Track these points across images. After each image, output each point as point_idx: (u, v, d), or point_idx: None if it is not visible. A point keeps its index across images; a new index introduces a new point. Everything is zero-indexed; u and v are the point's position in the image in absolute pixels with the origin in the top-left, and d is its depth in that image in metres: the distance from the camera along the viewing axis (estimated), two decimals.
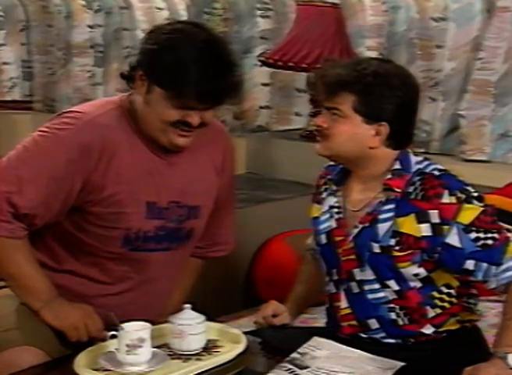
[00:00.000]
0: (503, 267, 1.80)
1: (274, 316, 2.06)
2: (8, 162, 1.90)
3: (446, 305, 1.88)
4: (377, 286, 1.87)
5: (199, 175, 2.03)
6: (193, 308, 1.83)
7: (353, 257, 1.88)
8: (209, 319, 1.85)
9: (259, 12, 3.85)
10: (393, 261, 1.83)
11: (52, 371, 1.85)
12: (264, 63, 3.52)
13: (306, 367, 1.72)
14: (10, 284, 1.95)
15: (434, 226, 1.80)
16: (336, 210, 1.94)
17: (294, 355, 1.76)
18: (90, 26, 4.33)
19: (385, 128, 1.84)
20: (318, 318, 2.52)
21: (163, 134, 1.88)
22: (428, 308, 1.87)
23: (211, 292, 2.60)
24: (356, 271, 1.88)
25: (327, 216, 1.96)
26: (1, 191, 1.86)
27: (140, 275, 2.00)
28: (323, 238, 1.96)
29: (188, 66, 1.80)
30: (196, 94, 1.80)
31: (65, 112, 1.94)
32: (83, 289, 1.97)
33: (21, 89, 4.65)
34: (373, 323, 1.88)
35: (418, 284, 1.86)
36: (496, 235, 1.81)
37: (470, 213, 1.80)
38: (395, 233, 1.82)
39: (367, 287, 1.88)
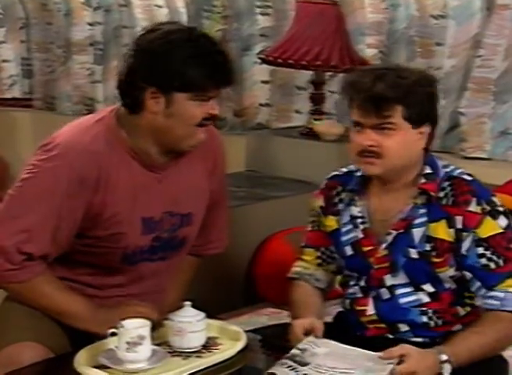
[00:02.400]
0: (492, 294, 1.81)
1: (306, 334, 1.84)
2: (7, 211, 1.87)
3: (475, 302, 1.88)
4: (410, 289, 1.87)
5: (191, 182, 2.02)
6: (193, 306, 1.83)
7: (386, 265, 1.87)
8: (209, 316, 1.86)
9: (258, 10, 3.84)
10: (432, 267, 1.84)
11: (53, 369, 1.85)
12: (263, 61, 3.51)
13: (306, 364, 1.71)
14: (48, 314, 1.94)
15: (457, 231, 1.82)
16: (360, 220, 1.92)
17: (294, 351, 1.75)
18: (90, 24, 4.32)
19: (428, 128, 1.86)
20: None
21: (190, 138, 1.90)
22: (458, 307, 1.88)
23: (211, 290, 2.60)
24: (387, 277, 1.88)
25: (349, 226, 1.94)
26: (9, 245, 1.84)
27: (133, 284, 2.01)
28: (348, 250, 1.94)
29: (197, 60, 1.85)
30: (214, 80, 1.86)
31: (50, 143, 1.88)
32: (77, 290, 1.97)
33: (21, 87, 4.64)
34: (403, 327, 1.88)
35: (453, 286, 1.87)
36: (501, 262, 1.82)
37: (489, 229, 1.81)
38: (429, 238, 1.83)
39: (398, 292, 1.88)
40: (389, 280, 1.88)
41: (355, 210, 1.92)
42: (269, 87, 3.89)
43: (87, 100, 4.38)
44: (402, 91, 1.81)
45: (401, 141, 1.82)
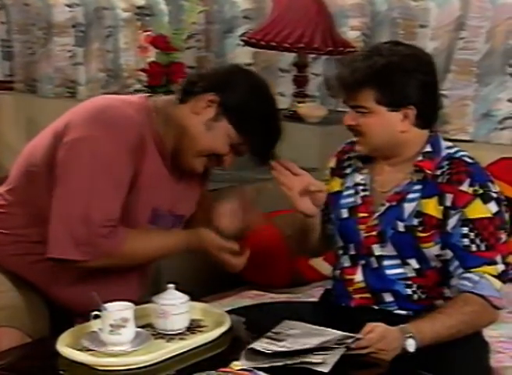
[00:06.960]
0: (467, 275, 1.82)
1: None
2: (80, 186, 1.80)
3: (451, 282, 1.88)
4: (397, 262, 1.89)
5: (192, 186, 2.04)
6: (177, 289, 1.83)
7: (374, 233, 1.91)
8: (193, 299, 1.86)
9: None
10: (417, 241, 1.86)
11: (35, 351, 1.84)
12: (246, 43, 3.50)
13: (282, 340, 1.72)
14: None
15: (445, 208, 1.84)
16: (361, 187, 1.97)
17: (269, 333, 1.75)
18: (69, 5, 4.27)
19: (412, 111, 1.86)
20: (301, 298, 2.53)
21: (193, 159, 1.91)
22: (444, 288, 1.90)
23: (194, 272, 2.60)
24: (375, 246, 1.91)
25: (351, 191, 1.99)
26: (96, 221, 1.79)
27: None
28: (344, 213, 1.98)
29: (267, 124, 1.89)
30: (259, 155, 1.91)
31: (96, 116, 1.85)
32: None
33: (1, 69, 4.59)
34: (387, 296, 1.91)
35: (439, 264, 1.88)
36: (483, 247, 1.82)
37: (478, 211, 1.83)
38: (418, 213, 1.86)
39: (386, 263, 1.90)
40: (377, 250, 1.91)
41: (359, 177, 1.98)
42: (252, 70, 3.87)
43: (69, 82, 4.34)
44: (370, 75, 1.83)
45: (377, 123, 1.86)
